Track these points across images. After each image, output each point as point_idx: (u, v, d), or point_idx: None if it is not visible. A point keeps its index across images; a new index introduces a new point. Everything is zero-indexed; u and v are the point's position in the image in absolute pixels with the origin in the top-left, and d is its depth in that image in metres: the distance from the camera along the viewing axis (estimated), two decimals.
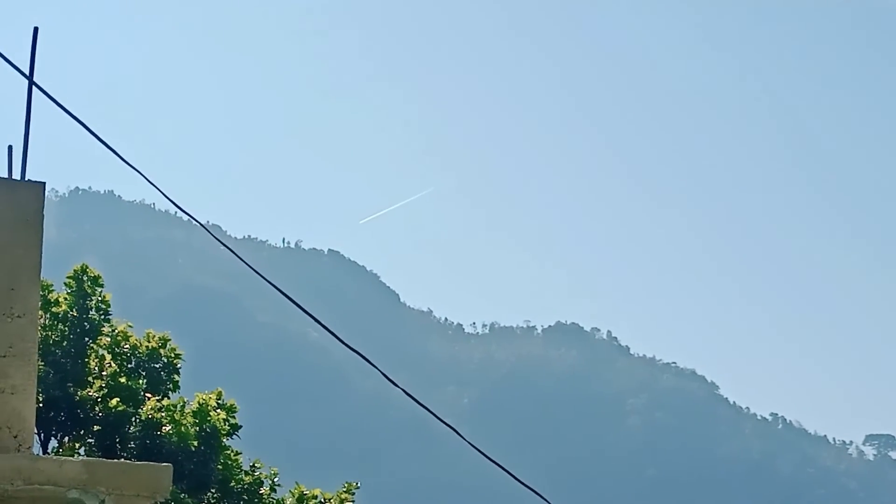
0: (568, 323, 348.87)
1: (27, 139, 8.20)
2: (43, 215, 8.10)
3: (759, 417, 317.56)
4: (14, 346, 7.83)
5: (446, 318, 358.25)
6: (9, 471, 7.25)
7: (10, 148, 8.16)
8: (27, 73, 8.35)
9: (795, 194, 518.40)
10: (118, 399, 23.60)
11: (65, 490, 7.34)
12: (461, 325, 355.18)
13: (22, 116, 8.34)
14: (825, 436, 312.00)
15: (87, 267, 24.85)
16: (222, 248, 10.53)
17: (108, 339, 24.51)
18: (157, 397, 24.23)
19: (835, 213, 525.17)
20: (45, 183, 8.12)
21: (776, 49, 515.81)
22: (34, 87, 8.38)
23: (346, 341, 10.37)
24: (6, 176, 8.16)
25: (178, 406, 24.26)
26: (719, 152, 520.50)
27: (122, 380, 23.95)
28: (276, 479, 25.27)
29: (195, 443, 23.78)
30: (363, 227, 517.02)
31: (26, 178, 8.17)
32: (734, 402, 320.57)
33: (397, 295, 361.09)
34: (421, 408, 10.73)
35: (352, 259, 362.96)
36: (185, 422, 23.84)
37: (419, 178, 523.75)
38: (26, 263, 7.93)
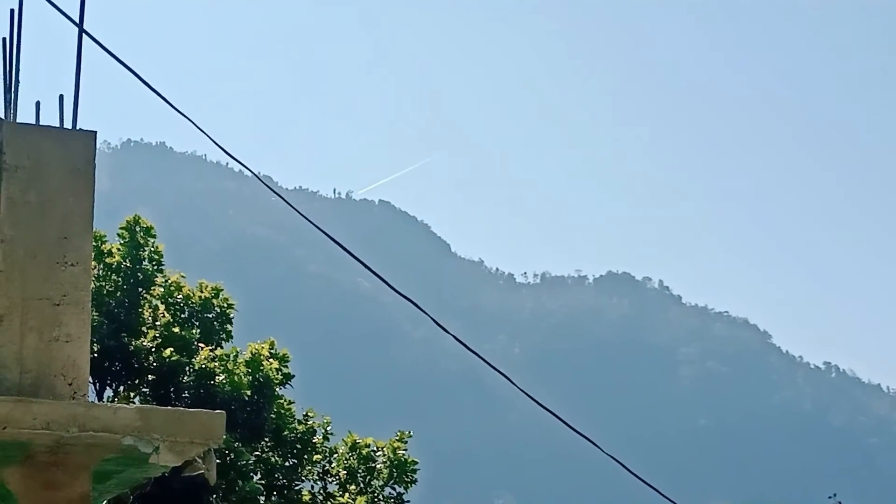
0: (619, 272, 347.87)
1: (77, 88, 8.18)
2: (94, 164, 8.09)
3: (811, 366, 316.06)
4: (68, 295, 7.86)
5: (497, 268, 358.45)
6: (64, 418, 7.29)
7: (60, 97, 8.14)
8: (77, 20, 8.32)
9: (859, 150, 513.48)
10: (172, 349, 23.73)
11: (119, 437, 7.38)
12: (512, 274, 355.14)
13: (73, 66, 8.31)
14: (879, 384, 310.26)
15: (139, 218, 24.92)
16: (273, 198, 10.58)
17: (162, 290, 24.62)
18: (210, 347, 24.34)
19: None
20: (96, 132, 8.10)
21: None
22: (84, 36, 8.35)
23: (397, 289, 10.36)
24: (58, 125, 8.16)
25: (231, 356, 24.37)
26: (767, 100, 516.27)
27: (176, 330, 24.06)
28: (328, 428, 25.38)
29: (248, 392, 23.90)
30: (413, 176, 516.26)
31: (77, 128, 8.17)
32: (787, 351, 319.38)
33: (448, 245, 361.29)
34: (473, 356, 10.72)
35: (402, 209, 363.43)
36: (238, 371, 23.94)
37: (467, 133, 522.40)
38: (78, 212, 7.94)
